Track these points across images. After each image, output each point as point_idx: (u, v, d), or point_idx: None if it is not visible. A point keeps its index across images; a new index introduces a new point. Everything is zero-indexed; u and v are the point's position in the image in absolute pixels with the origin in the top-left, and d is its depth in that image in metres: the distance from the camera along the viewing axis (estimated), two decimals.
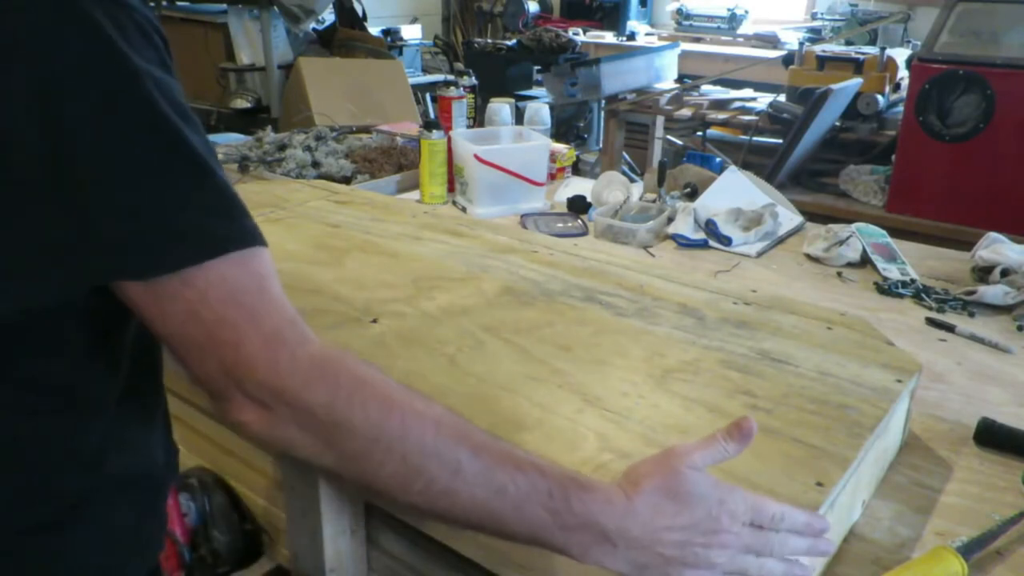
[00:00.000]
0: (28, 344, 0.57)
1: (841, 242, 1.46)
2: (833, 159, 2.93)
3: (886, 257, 1.45)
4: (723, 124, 3.24)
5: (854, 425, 0.78)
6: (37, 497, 0.61)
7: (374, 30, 4.12)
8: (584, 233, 1.60)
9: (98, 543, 0.65)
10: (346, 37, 3.87)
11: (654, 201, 1.70)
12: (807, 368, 0.89)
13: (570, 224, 1.64)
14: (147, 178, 0.53)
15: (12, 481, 0.60)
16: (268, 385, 0.56)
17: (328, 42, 3.89)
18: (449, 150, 1.75)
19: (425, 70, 4.50)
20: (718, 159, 2.16)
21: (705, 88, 3.66)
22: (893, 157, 2.60)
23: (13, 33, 0.50)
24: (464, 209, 1.71)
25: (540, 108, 2.01)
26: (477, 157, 1.63)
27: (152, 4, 3.38)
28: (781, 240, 1.58)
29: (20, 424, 0.59)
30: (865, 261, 1.45)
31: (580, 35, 4.90)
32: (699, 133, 3.31)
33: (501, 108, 1.93)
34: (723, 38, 4.92)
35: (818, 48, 3.21)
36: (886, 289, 1.34)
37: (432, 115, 3.33)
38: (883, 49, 2.96)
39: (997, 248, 1.40)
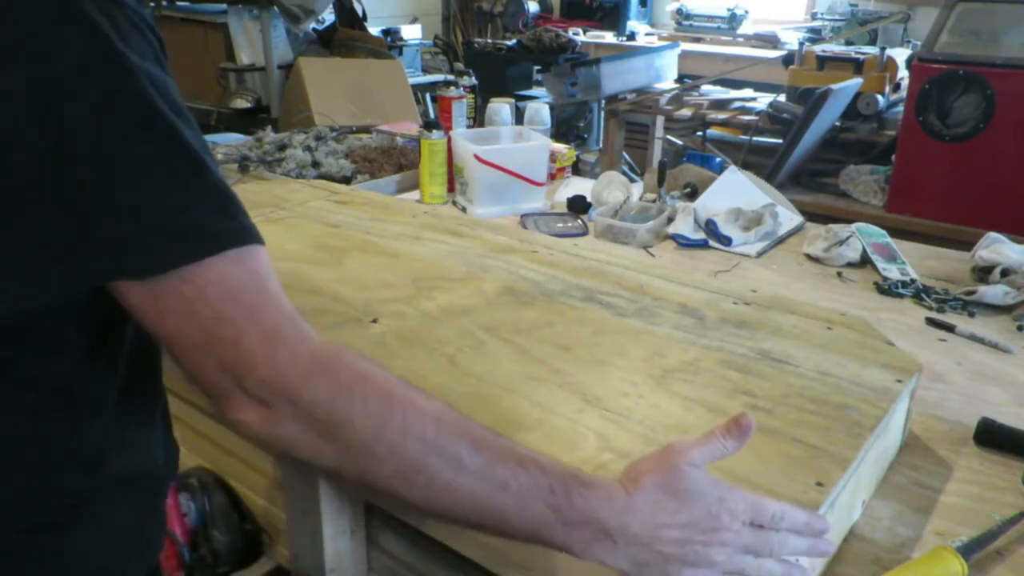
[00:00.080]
0: (28, 344, 0.57)
1: (841, 242, 1.46)
2: (833, 159, 2.93)
3: (886, 257, 1.45)
4: (723, 124, 3.24)
5: (854, 425, 0.78)
6: (37, 497, 0.61)
7: (374, 30, 4.12)
8: (584, 233, 1.60)
9: (98, 543, 0.65)
10: (346, 37, 3.87)
11: (654, 201, 1.70)
12: (807, 368, 0.89)
13: (570, 224, 1.64)
14: (147, 178, 0.53)
15: (12, 481, 0.60)
16: (268, 382, 0.56)
17: (328, 42, 3.89)
18: (449, 150, 1.75)
19: (425, 70, 4.50)
20: (718, 159, 2.16)
21: (705, 88, 3.66)
22: (893, 157, 2.60)
23: (13, 33, 0.50)
24: (464, 209, 1.71)
25: (540, 108, 2.01)
26: (477, 157, 1.63)
27: (152, 4, 3.37)
28: (781, 240, 1.58)
29: (20, 424, 0.59)
30: (865, 261, 1.45)
31: (580, 35, 4.90)
32: (699, 133, 3.31)
33: (501, 108, 1.93)
34: (723, 38, 4.92)
35: (818, 48, 3.21)
36: (886, 289, 1.34)
37: (432, 115, 3.33)
38: (883, 49, 2.96)
39: (997, 248, 1.40)
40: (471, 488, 0.57)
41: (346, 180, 1.81)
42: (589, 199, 1.73)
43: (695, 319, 1.01)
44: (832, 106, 2.70)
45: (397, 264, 1.16)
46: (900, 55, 3.03)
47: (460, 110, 1.84)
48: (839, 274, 1.42)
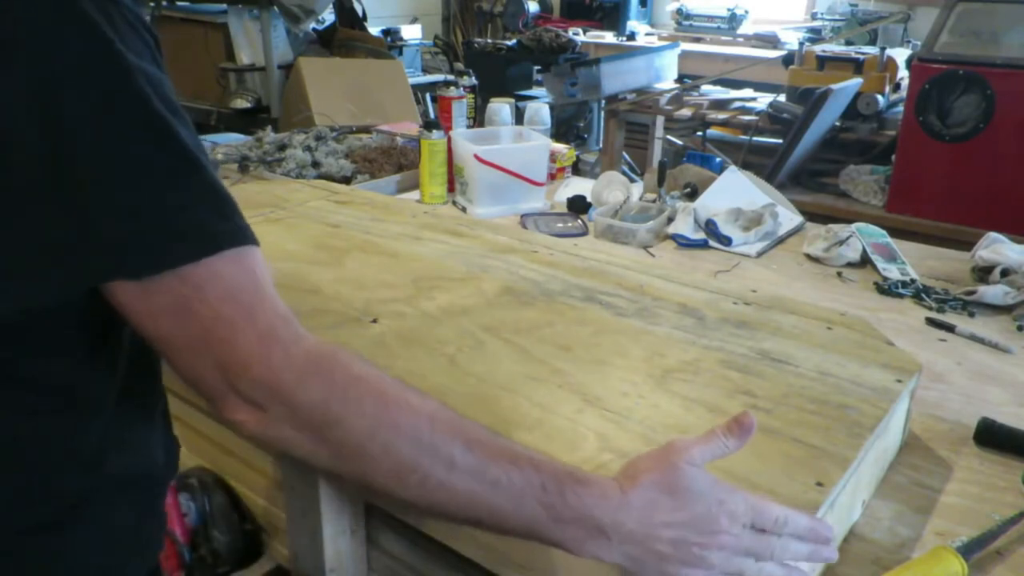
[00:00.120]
0: (28, 344, 0.57)
1: (841, 242, 1.46)
2: (833, 159, 2.93)
3: (886, 257, 1.45)
4: (723, 124, 3.24)
5: (854, 425, 0.78)
6: (37, 497, 0.61)
7: (374, 30, 4.11)
8: (584, 233, 1.60)
9: (98, 543, 0.65)
10: (346, 37, 3.87)
11: (654, 201, 1.70)
12: (807, 368, 0.89)
13: (570, 224, 1.64)
14: (147, 178, 0.53)
15: (12, 481, 0.60)
16: (262, 383, 0.56)
17: (328, 42, 3.89)
18: (449, 150, 1.75)
19: (425, 70, 4.50)
20: (718, 159, 2.16)
21: (705, 88, 3.66)
22: (893, 157, 2.60)
23: (13, 33, 0.50)
24: (464, 209, 1.71)
25: (540, 108, 2.01)
26: (477, 157, 1.63)
27: (152, 4, 3.37)
28: (781, 240, 1.58)
29: (20, 424, 0.59)
30: (865, 261, 1.45)
31: (580, 35, 4.91)
32: (699, 133, 3.31)
33: (501, 108, 1.93)
34: (723, 38, 4.92)
35: (818, 48, 3.21)
36: (886, 289, 1.34)
37: (432, 115, 3.33)
38: (883, 49, 2.96)
39: (997, 248, 1.40)
40: (464, 486, 0.57)
41: (346, 180, 1.81)
42: (589, 199, 1.73)
43: (695, 319, 1.01)
44: (832, 106, 2.70)
45: (397, 264, 1.16)
46: (900, 55, 3.03)
47: (460, 110, 1.84)
48: (839, 274, 1.42)
